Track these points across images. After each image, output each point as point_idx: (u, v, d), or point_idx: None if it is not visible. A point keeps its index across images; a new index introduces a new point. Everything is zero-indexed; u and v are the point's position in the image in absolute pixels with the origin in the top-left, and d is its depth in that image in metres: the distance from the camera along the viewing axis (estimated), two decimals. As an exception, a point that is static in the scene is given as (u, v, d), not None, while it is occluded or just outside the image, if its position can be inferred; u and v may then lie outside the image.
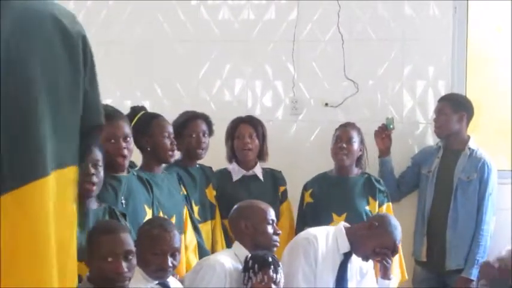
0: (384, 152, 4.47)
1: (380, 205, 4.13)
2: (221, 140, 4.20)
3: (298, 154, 4.70)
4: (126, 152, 3.25)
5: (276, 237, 3.37)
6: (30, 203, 1.45)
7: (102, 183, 3.02)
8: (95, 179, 2.94)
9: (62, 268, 1.52)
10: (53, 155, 1.50)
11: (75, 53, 1.56)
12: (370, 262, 3.61)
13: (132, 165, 3.54)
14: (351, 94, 4.66)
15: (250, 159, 4.17)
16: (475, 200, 4.25)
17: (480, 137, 4.50)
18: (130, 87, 4.96)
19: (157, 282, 2.96)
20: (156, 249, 2.92)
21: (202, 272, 3.17)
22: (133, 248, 2.71)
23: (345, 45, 4.64)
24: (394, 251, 3.53)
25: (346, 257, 3.54)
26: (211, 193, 4.04)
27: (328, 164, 4.24)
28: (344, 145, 4.11)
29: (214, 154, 4.12)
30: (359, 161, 4.21)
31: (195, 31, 4.89)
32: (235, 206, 3.50)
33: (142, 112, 3.69)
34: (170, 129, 3.67)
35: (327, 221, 3.96)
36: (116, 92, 4.90)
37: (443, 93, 4.52)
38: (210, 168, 4.12)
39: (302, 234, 3.65)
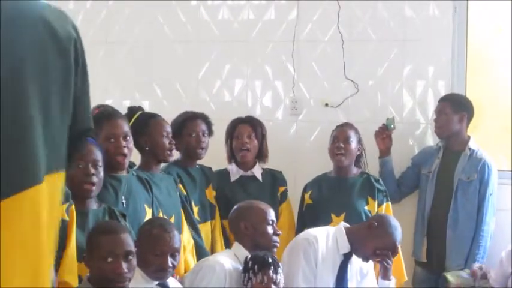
0: (384, 153, 4.47)
1: (379, 205, 4.12)
2: (221, 140, 4.20)
3: (298, 154, 4.70)
4: (126, 150, 3.25)
5: (275, 238, 3.37)
6: (25, 210, 1.44)
7: (102, 183, 3.02)
8: (94, 179, 2.93)
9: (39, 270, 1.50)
10: (44, 160, 1.48)
11: (66, 57, 1.53)
12: (370, 263, 3.61)
13: (131, 165, 3.54)
14: (350, 94, 4.65)
15: (248, 159, 4.16)
16: (475, 201, 4.24)
17: (480, 137, 4.49)
18: (130, 88, 4.96)
19: (157, 283, 2.96)
20: (156, 250, 2.92)
21: (202, 273, 3.17)
22: (133, 249, 2.71)
23: (344, 45, 4.63)
24: (394, 251, 3.53)
25: (346, 257, 3.53)
26: (211, 193, 4.04)
27: (328, 164, 4.23)
28: (341, 145, 4.11)
29: (214, 154, 4.11)
30: (358, 161, 4.21)
31: (194, 31, 4.89)
32: (235, 207, 3.50)
33: (140, 112, 3.70)
34: (168, 128, 3.67)
35: (326, 221, 3.95)
36: (116, 92, 4.90)
37: (443, 94, 4.51)
38: (210, 168, 4.12)
39: (302, 234, 3.64)
